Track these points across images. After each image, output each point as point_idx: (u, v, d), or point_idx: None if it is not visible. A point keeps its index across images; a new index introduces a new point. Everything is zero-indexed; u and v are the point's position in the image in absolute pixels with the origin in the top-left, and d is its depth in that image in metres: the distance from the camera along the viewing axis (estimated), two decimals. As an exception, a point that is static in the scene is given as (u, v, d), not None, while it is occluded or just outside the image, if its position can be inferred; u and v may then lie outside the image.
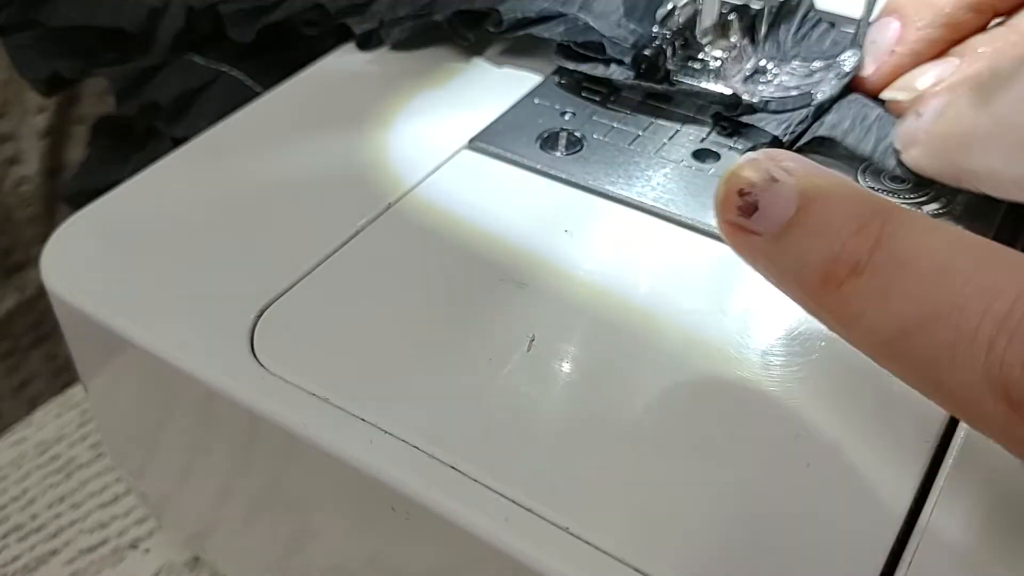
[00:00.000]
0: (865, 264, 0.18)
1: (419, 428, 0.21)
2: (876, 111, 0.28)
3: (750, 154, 0.20)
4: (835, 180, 0.20)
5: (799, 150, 0.28)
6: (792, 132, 0.28)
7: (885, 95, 0.28)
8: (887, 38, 0.28)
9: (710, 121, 0.30)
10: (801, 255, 0.19)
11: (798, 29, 0.31)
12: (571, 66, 0.31)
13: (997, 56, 0.26)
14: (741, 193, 0.20)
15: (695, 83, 0.30)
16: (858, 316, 0.19)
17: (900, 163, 0.27)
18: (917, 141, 0.26)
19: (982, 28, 0.28)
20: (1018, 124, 0.22)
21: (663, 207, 0.27)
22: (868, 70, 0.29)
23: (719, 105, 0.29)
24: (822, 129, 0.28)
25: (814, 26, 0.32)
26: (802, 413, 0.21)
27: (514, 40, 0.33)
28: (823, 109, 0.28)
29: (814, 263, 0.19)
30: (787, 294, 0.20)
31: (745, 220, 0.20)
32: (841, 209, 0.19)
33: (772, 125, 0.28)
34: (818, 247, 0.19)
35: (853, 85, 0.29)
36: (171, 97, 0.38)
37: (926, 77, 0.27)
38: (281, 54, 0.39)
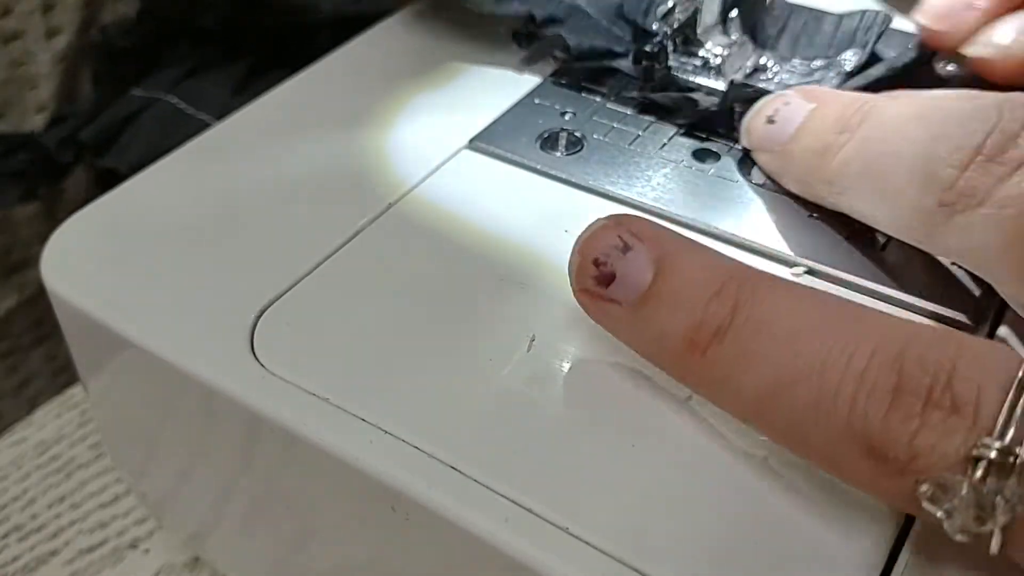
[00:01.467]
0: (727, 328, 0.18)
1: (419, 428, 0.21)
2: None
3: (601, 219, 0.21)
4: (688, 245, 0.20)
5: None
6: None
7: (968, 51, 0.27)
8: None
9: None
10: (662, 324, 0.19)
11: (800, 27, 0.31)
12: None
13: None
14: (596, 263, 0.20)
15: (694, 80, 0.30)
16: (723, 381, 0.19)
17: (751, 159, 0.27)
18: (770, 150, 0.26)
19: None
20: (889, 175, 0.22)
21: (663, 207, 0.27)
22: (940, 26, 0.27)
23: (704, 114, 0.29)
24: None
25: (816, 24, 0.31)
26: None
27: (514, 40, 0.33)
28: None
29: (676, 331, 0.19)
30: (651, 361, 0.21)
31: (602, 290, 0.20)
32: (698, 274, 0.19)
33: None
34: (678, 314, 0.19)
35: (927, 41, 0.28)
36: (96, 130, 0.38)
37: (1006, 30, 0.26)
38: (220, 74, 0.39)
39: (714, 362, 0.19)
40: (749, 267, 0.20)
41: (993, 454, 0.16)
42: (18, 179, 0.38)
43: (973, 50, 0.27)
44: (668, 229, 0.20)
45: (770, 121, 0.26)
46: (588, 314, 0.21)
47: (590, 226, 0.21)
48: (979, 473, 0.16)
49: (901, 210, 0.22)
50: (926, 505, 0.17)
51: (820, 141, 0.24)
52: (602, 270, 0.20)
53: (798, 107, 0.25)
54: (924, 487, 0.17)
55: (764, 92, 0.27)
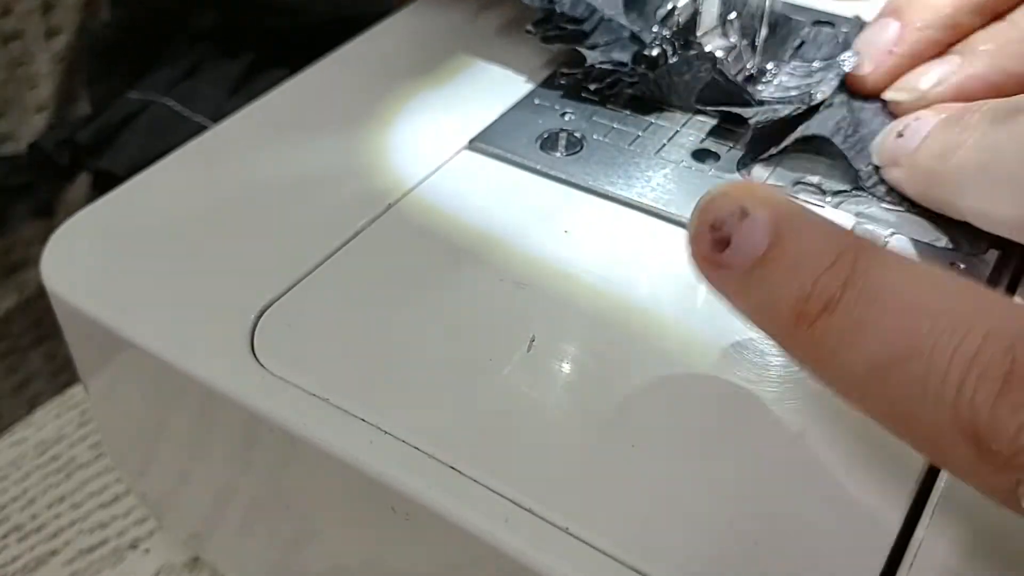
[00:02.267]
0: (837, 301, 0.18)
1: (419, 428, 0.21)
2: (866, 112, 0.28)
3: (721, 185, 0.20)
4: (806, 214, 0.20)
5: (787, 149, 0.28)
6: (766, 117, 0.28)
7: (887, 96, 0.28)
8: (885, 38, 0.28)
9: (710, 119, 0.30)
10: (773, 292, 0.19)
11: (798, 32, 0.31)
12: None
13: (997, 56, 0.26)
14: (713, 227, 0.20)
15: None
16: (830, 355, 0.18)
17: (881, 179, 0.27)
18: (898, 163, 0.26)
19: (982, 28, 0.27)
20: (1009, 172, 0.22)
21: (663, 207, 0.27)
22: (865, 69, 0.28)
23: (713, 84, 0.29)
24: (812, 128, 0.28)
25: (814, 26, 0.32)
26: (802, 413, 0.21)
27: (514, 40, 0.33)
28: (813, 108, 0.28)
29: (786, 300, 0.19)
30: (761, 329, 0.20)
31: (717, 255, 0.20)
32: (813, 245, 0.19)
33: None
34: (790, 284, 0.19)
35: (850, 85, 0.29)
36: (92, 132, 0.39)
37: (928, 76, 0.27)
38: (216, 77, 0.39)
39: (822, 335, 0.18)
40: (866, 241, 0.19)
41: None
42: (26, 194, 0.38)
43: (891, 94, 0.28)
44: (788, 198, 0.20)
45: (899, 135, 0.26)
46: (703, 278, 0.21)
47: (710, 190, 0.20)
48: None
49: (1019, 204, 0.22)
50: None
51: (942, 144, 0.24)
52: (718, 235, 0.20)
53: (927, 120, 0.25)
54: None
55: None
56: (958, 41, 0.27)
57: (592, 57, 0.30)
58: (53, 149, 0.39)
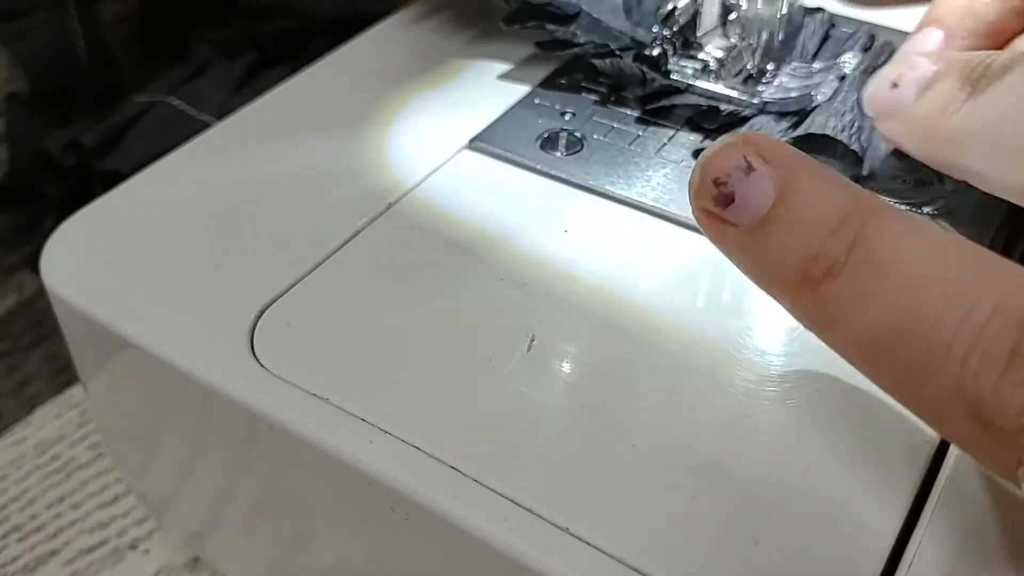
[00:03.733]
0: (842, 266, 0.18)
1: (419, 428, 0.21)
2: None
3: (727, 136, 0.19)
4: (816, 171, 0.19)
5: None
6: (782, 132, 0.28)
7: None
8: (930, 49, 0.27)
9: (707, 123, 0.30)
10: (777, 252, 0.18)
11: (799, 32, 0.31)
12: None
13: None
14: (716, 182, 0.19)
15: (693, 83, 0.30)
16: (834, 320, 0.18)
17: (889, 154, 0.26)
18: (893, 116, 0.25)
19: None
20: (1010, 135, 0.21)
21: (663, 207, 0.27)
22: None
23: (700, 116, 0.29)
24: (814, 126, 0.28)
25: (814, 27, 0.32)
26: (802, 414, 0.21)
27: (514, 40, 0.33)
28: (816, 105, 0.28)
29: (790, 262, 0.18)
30: (763, 289, 0.20)
31: (720, 210, 0.19)
32: (820, 204, 0.18)
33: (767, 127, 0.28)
34: (794, 245, 0.18)
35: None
36: (98, 134, 0.39)
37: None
38: (220, 75, 0.39)
39: (825, 299, 0.18)
40: (877, 201, 0.18)
41: None
42: (57, 206, 0.38)
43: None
44: (798, 153, 0.19)
45: (894, 86, 0.25)
46: (705, 233, 0.20)
47: (715, 143, 0.20)
48: None
49: (1021, 168, 0.21)
50: None
51: (941, 100, 0.23)
52: (722, 190, 0.19)
53: (923, 71, 0.24)
54: None
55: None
56: (1003, 46, 0.27)
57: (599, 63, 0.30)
58: (59, 151, 0.40)
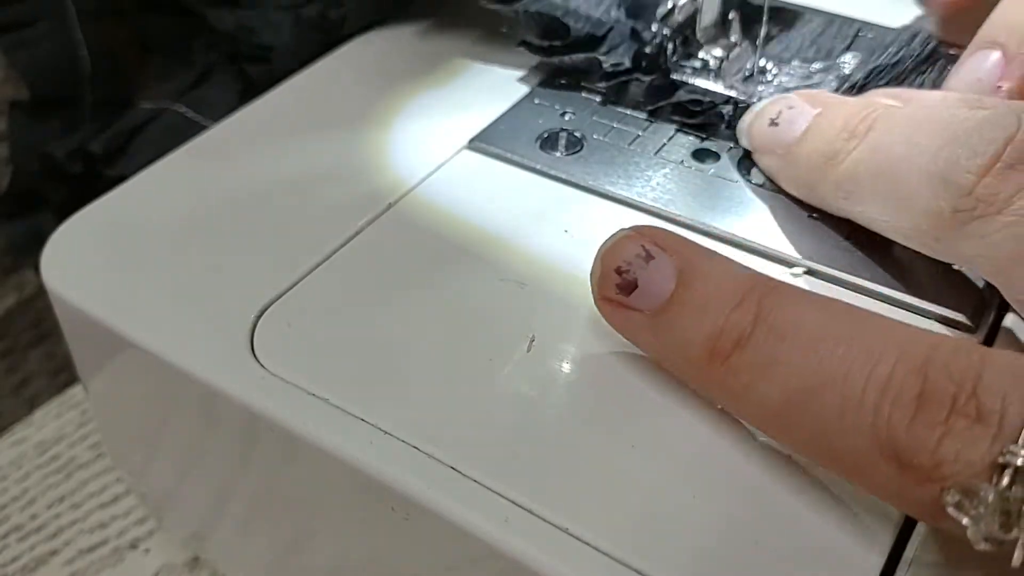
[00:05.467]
0: (748, 336, 0.19)
1: (419, 428, 0.21)
2: None
3: (623, 229, 0.21)
4: (711, 254, 0.20)
5: None
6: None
7: None
8: (990, 72, 0.25)
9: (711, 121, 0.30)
10: (684, 332, 0.19)
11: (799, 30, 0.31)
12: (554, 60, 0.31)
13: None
14: (619, 271, 0.20)
15: (693, 82, 0.30)
16: (746, 388, 0.19)
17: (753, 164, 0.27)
18: (772, 152, 0.26)
19: None
20: (900, 179, 0.22)
21: (663, 207, 0.27)
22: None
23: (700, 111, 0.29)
24: None
25: (814, 27, 0.32)
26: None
27: (514, 40, 0.33)
28: None
29: (698, 339, 0.19)
30: (672, 371, 0.21)
31: (624, 298, 0.20)
32: (720, 284, 0.19)
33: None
34: (700, 323, 0.19)
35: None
36: (105, 141, 0.39)
37: None
38: (226, 82, 0.40)
39: (736, 370, 0.19)
40: (771, 278, 0.20)
41: (1020, 461, 0.16)
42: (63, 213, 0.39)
43: None
44: (690, 240, 0.21)
45: (773, 123, 0.25)
46: (609, 322, 0.21)
47: (612, 235, 0.21)
48: (1005, 480, 0.16)
49: (912, 216, 0.22)
50: (951, 511, 0.17)
51: (828, 146, 0.24)
52: (624, 278, 0.20)
53: (802, 111, 0.25)
54: (949, 495, 0.16)
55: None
56: None
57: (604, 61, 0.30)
58: (64, 158, 0.40)
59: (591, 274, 0.21)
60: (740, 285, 0.19)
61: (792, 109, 0.25)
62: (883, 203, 0.22)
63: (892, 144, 0.22)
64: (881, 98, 0.24)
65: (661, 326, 0.20)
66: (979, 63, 0.25)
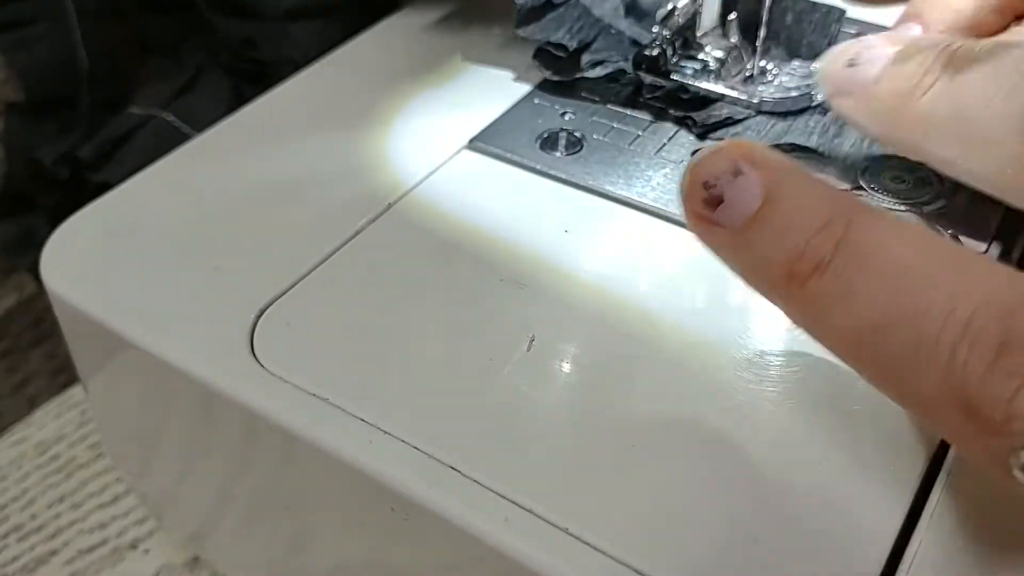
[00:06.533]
0: (828, 263, 0.18)
1: (419, 428, 0.21)
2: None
3: (715, 143, 0.20)
4: (801, 174, 0.19)
5: (783, 148, 0.28)
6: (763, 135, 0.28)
7: None
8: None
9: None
10: (765, 251, 0.19)
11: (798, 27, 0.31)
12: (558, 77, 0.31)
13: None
14: (706, 185, 0.19)
15: (693, 83, 0.30)
16: (822, 315, 0.18)
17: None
18: (850, 94, 0.25)
19: (1003, 30, 0.27)
20: (981, 120, 0.21)
21: (663, 207, 0.27)
22: None
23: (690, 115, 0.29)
24: (788, 134, 0.28)
25: (814, 25, 0.32)
26: (802, 413, 0.21)
27: (514, 39, 0.33)
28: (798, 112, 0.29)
29: (777, 260, 0.19)
30: (753, 288, 0.20)
31: (710, 212, 0.20)
32: (806, 205, 0.19)
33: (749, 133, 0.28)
34: (782, 244, 0.19)
35: None
36: (93, 147, 0.39)
37: None
38: (213, 91, 0.40)
39: (813, 295, 0.18)
40: (862, 203, 0.19)
41: None
42: (53, 217, 0.39)
43: None
44: (784, 157, 0.20)
45: (852, 64, 0.25)
46: (695, 235, 0.20)
47: (704, 148, 0.20)
48: None
49: (992, 157, 0.21)
50: (1017, 474, 0.16)
51: (906, 82, 0.23)
52: (711, 193, 0.19)
53: (881, 51, 0.25)
54: (1018, 455, 0.16)
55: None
56: None
57: (595, 72, 0.30)
58: (52, 163, 0.40)
59: (680, 185, 0.20)
60: (827, 207, 0.18)
61: (870, 49, 0.25)
62: (963, 144, 0.22)
63: (972, 83, 0.22)
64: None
65: (743, 244, 0.19)
66: (900, 35, 0.26)
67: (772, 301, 0.20)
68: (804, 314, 0.19)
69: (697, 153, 0.20)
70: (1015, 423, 0.16)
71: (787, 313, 0.20)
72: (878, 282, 0.17)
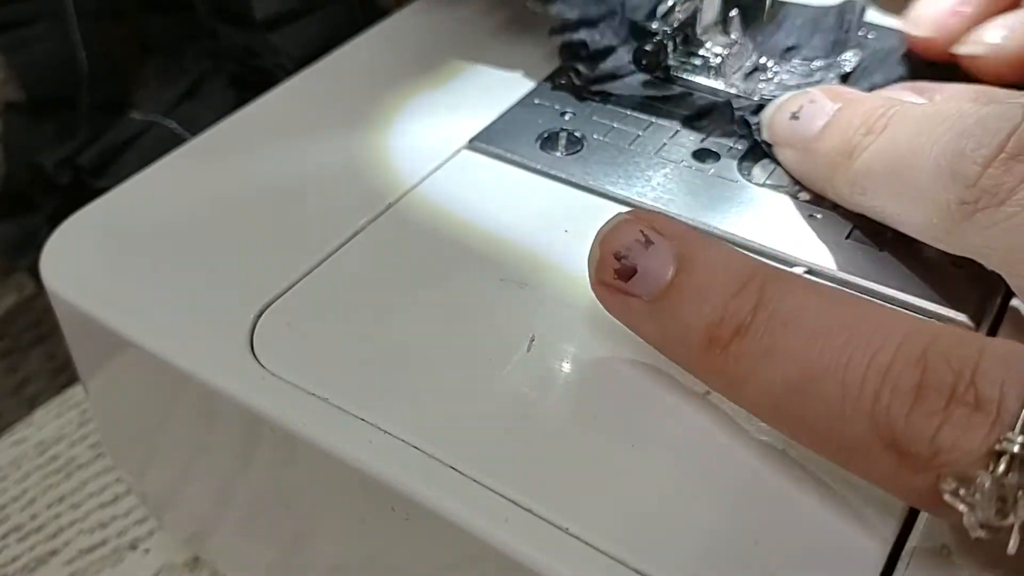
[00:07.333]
0: (749, 325, 0.19)
1: (419, 428, 0.21)
2: None
3: (622, 214, 0.21)
4: (710, 241, 0.20)
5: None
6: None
7: (959, 50, 0.27)
8: (946, 1, 0.28)
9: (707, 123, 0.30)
10: (683, 318, 0.19)
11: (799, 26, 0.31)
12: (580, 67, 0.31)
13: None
14: (617, 256, 0.20)
15: (694, 79, 0.30)
16: (746, 377, 0.19)
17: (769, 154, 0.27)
18: (792, 145, 0.26)
19: (1016, 5, 0.27)
20: (912, 171, 0.22)
21: (663, 207, 0.27)
22: (929, 34, 0.28)
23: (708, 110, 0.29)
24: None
25: (814, 24, 0.31)
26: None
27: (514, 40, 0.33)
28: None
29: (696, 326, 0.19)
30: (671, 357, 0.21)
31: (622, 283, 0.20)
32: (720, 271, 0.19)
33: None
34: (700, 310, 0.19)
35: (915, 49, 0.28)
36: (95, 153, 0.39)
37: (996, 29, 0.27)
38: (215, 98, 0.40)
39: (736, 358, 0.19)
40: (772, 265, 0.20)
41: (1016, 448, 0.16)
42: (53, 219, 0.39)
43: (964, 49, 0.27)
44: (690, 226, 0.21)
45: (794, 117, 0.26)
46: (606, 308, 0.21)
47: (611, 220, 0.21)
48: (1001, 467, 0.16)
49: (923, 209, 0.22)
50: (948, 499, 0.17)
51: (846, 141, 0.24)
52: (623, 264, 0.20)
53: (823, 106, 0.25)
54: (946, 483, 0.17)
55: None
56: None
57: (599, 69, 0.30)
58: (53, 169, 0.40)
59: (589, 258, 0.21)
60: (741, 272, 0.19)
61: (813, 104, 0.25)
62: (896, 198, 0.23)
63: (906, 139, 0.22)
64: (902, 92, 0.24)
65: (660, 313, 0.20)
66: (843, 90, 0.26)
67: (689, 369, 0.20)
68: (726, 379, 0.19)
69: (603, 225, 0.21)
70: (941, 455, 0.17)
71: (706, 380, 0.20)
72: (799, 340, 0.18)
